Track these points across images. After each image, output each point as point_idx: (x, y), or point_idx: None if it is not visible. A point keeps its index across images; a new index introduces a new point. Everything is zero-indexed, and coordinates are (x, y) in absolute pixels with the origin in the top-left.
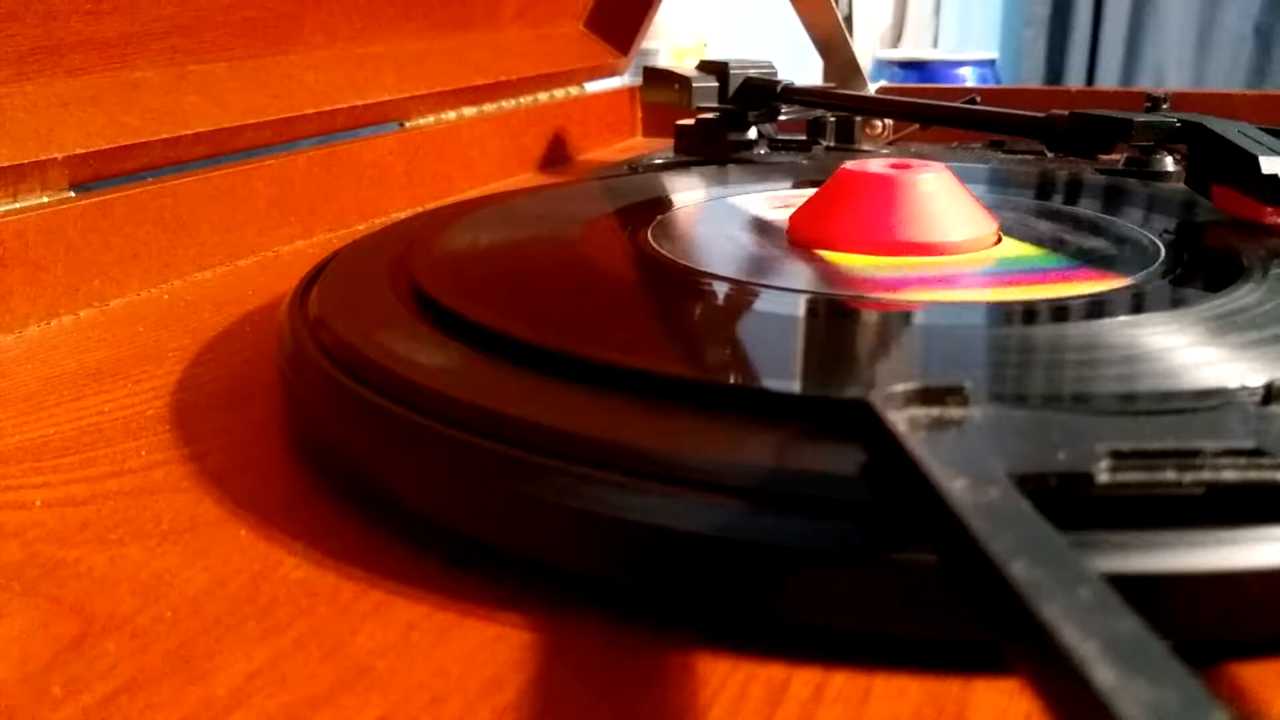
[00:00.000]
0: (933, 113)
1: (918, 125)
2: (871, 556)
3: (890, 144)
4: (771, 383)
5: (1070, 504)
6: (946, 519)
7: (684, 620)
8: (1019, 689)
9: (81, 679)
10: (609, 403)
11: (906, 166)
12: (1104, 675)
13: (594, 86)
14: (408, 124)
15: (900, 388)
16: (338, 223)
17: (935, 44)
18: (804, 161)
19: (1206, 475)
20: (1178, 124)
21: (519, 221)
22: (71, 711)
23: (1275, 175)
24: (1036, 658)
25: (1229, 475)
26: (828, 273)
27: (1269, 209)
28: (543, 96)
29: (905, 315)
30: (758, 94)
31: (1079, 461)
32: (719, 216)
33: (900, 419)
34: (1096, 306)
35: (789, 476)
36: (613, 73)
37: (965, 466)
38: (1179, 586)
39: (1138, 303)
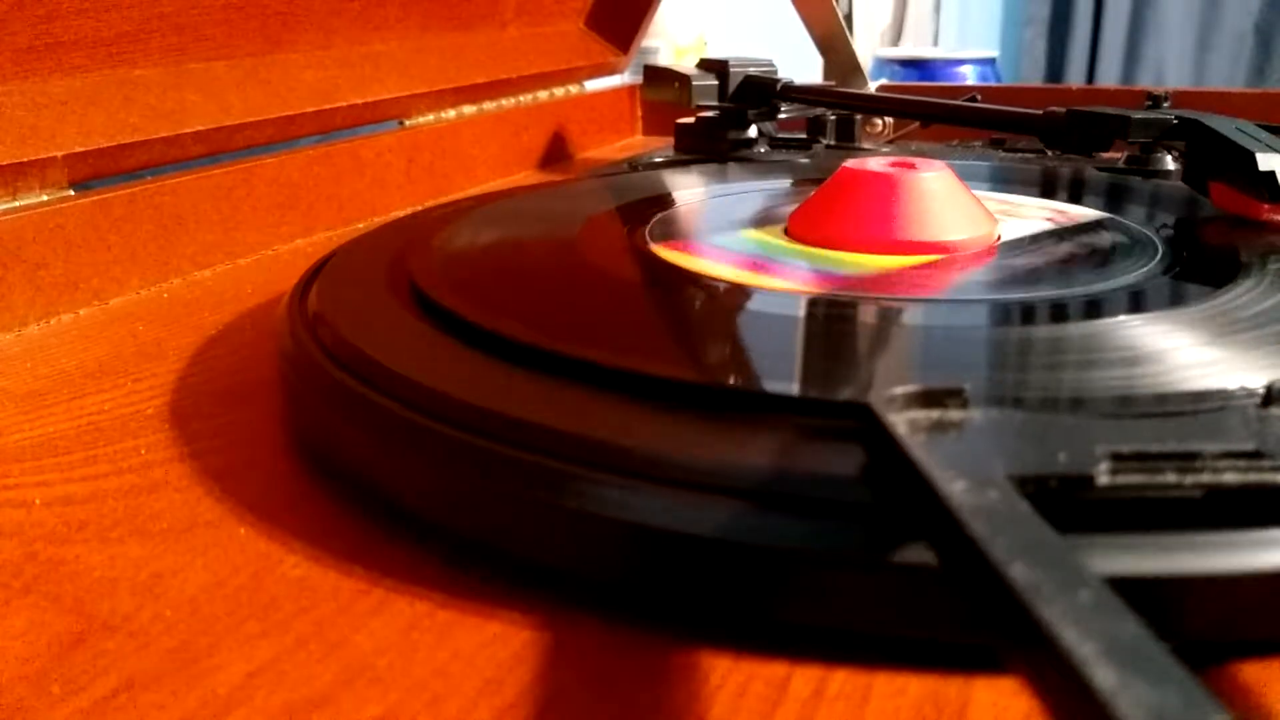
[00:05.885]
0: (933, 111)
1: (918, 123)
2: (871, 559)
3: (890, 142)
4: (771, 385)
5: (1070, 506)
6: (946, 521)
7: (684, 621)
8: (1019, 688)
9: (81, 678)
10: (608, 403)
11: (908, 165)
12: (1104, 676)
13: (594, 85)
14: (407, 122)
15: (900, 390)
16: (337, 221)
17: (935, 42)
18: (804, 160)
19: (1206, 478)
20: (1175, 121)
21: (518, 220)
22: (71, 711)
23: (1272, 172)
24: (1037, 660)
25: (1229, 477)
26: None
27: (1266, 206)
28: (542, 95)
29: (905, 316)
30: (758, 92)
31: (1079, 464)
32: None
33: (900, 421)
34: (1096, 306)
35: (789, 478)
36: (613, 71)
37: (965, 468)
38: (1179, 589)
39: (1137, 301)
